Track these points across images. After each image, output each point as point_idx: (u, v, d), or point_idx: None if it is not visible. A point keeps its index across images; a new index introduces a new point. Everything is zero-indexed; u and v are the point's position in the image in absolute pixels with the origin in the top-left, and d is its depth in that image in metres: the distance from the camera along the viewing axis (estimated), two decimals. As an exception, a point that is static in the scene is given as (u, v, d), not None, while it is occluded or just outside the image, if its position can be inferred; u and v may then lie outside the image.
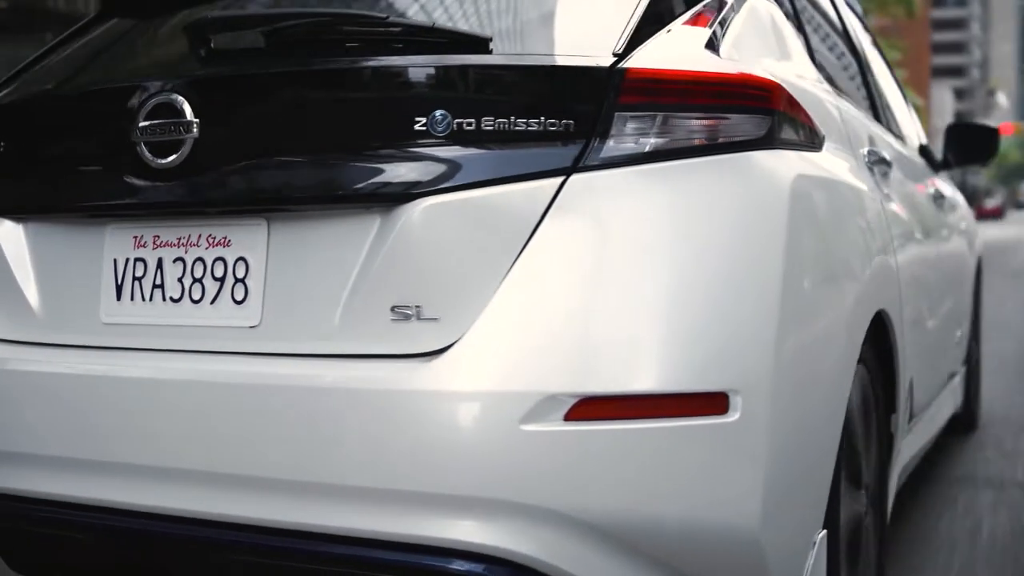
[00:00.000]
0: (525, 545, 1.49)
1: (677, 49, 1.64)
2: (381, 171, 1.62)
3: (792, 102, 1.73)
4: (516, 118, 1.58)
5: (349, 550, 1.54)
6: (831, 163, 1.89)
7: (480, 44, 1.65)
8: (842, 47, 2.81)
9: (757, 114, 1.63)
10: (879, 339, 2.17)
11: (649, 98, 1.59)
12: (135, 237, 1.78)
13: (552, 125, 1.58)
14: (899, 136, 3.13)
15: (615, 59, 1.60)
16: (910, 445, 2.91)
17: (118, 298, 1.78)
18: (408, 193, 1.58)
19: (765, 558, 1.54)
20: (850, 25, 3.01)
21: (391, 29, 1.66)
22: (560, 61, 1.63)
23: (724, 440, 1.50)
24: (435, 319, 1.56)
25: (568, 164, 1.56)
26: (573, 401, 1.48)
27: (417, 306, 1.57)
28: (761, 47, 1.86)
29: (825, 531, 1.71)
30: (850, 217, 1.91)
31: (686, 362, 1.50)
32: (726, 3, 1.77)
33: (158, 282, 1.75)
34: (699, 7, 1.73)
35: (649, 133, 1.59)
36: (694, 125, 1.61)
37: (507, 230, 1.55)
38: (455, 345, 1.53)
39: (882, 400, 2.26)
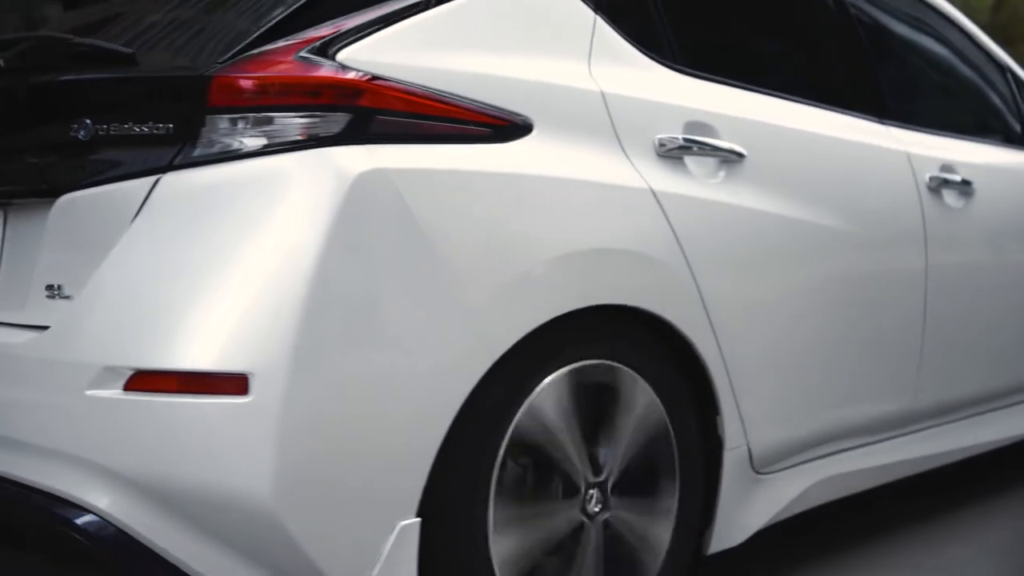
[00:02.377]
0: (98, 498, 1.70)
1: (279, 56, 1.75)
2: (51, 170, 1.91)
3: (405, 98, 1.77)
4: (135, 124, 1.80)
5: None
6: (508, 154, 1.88)
7: (125, 60, 1.87)
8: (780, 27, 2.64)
9: (336, 112, 1.72)
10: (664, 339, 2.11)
11: (235, 102, 1.74)
12: None
13: (158, 129, 1.77)
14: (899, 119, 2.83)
15: (214, 67, 1.76)
16: (861, 459, 2.68)
17: None
18: (60, 189, 1.86)
19: (289, 532, 1.63)
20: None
21: (70, 49, 1.94)
22: (173, 73, 1.82)
23: (243, 418, 1.62)
24: (69, 297, 1.82)
25: (164, 164, 1.75)
26: (129, 373, 1.68)
27: (59, 285, 1.84)
28: (447, 42, 1.90)
29: (418, 520, 1.75)
30: (521, 207, 1.86)
31: (213, 345, 1.64)
32: (379, 11, 1.84)
33: None
34: (338, 19, 1.82)
35: (235, 134, 1.74)
36: (277, 125, 1.73)
37: (114, 223, 1.77)
38: (59, 320, 1.78)
39: (683, 401, 2.17)
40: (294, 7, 1.86)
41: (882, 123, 2.80)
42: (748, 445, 2.32)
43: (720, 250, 2.22)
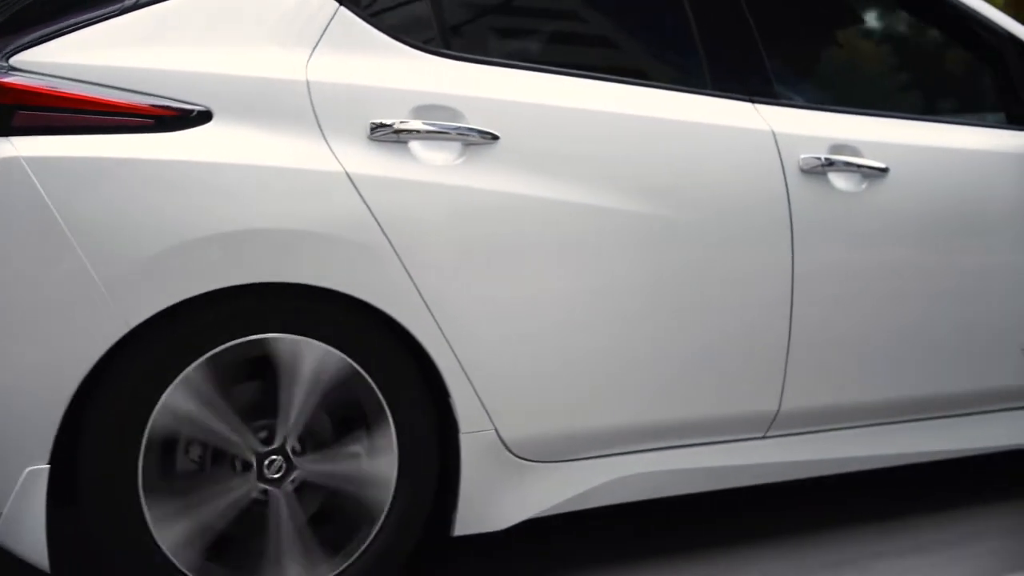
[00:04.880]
0: None
1: None
2: None
3: (55, 95, 1.98)
4: None
5: None
6: (171, 141, 2.03)
7: None
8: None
9: None
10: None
11: None
12: None
13: None
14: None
15: None
16: (697, 459, 2.54)
17: None
18: None
19: None
20: None
21: None
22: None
23: None
24: None
25: None
26: None
27: None
28: (141, 42, 2.08)
29: (47, 467, 1.96)
30: (173, 190, 2.01)
31: None
32: (80, 16, 2.07)
33: None
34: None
35: None
36: None
37: None
38: None
39: (404, 378, 2.22)
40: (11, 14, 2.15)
41: (750, 101, 2.61)
42: (497, 431, 2.31)
43: (444, 232, 2.23)
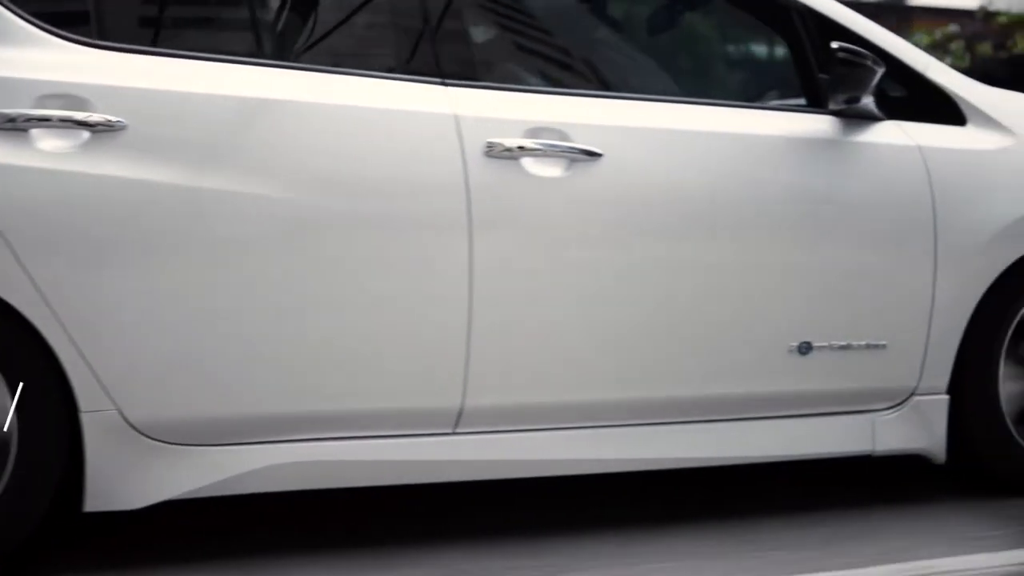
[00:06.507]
0: None
1: None
2: None
3: None
4: None
5: None
6: None
7: None
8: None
9: None
10: None
11: None
12: None
13: None
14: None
15: None
16: (368, 452, 2.49)
17: None
18: None
19: None
20: None
21: None
22: None
23: None
24: None
25: None
26: None
27: None
28: None
29: None
30: None
31: None
32: None
33: None
34: None
35: None
36: None
37: None
38: None
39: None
40: None
41: (442, 84, 2.51)
42: (121, 412, 2.36)
43: (59, 218, 2.29)
